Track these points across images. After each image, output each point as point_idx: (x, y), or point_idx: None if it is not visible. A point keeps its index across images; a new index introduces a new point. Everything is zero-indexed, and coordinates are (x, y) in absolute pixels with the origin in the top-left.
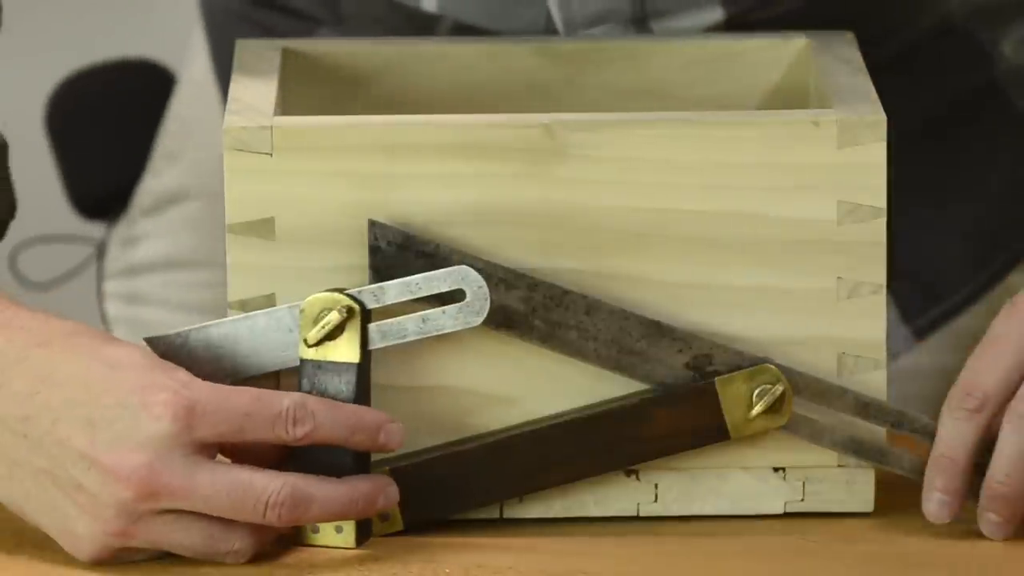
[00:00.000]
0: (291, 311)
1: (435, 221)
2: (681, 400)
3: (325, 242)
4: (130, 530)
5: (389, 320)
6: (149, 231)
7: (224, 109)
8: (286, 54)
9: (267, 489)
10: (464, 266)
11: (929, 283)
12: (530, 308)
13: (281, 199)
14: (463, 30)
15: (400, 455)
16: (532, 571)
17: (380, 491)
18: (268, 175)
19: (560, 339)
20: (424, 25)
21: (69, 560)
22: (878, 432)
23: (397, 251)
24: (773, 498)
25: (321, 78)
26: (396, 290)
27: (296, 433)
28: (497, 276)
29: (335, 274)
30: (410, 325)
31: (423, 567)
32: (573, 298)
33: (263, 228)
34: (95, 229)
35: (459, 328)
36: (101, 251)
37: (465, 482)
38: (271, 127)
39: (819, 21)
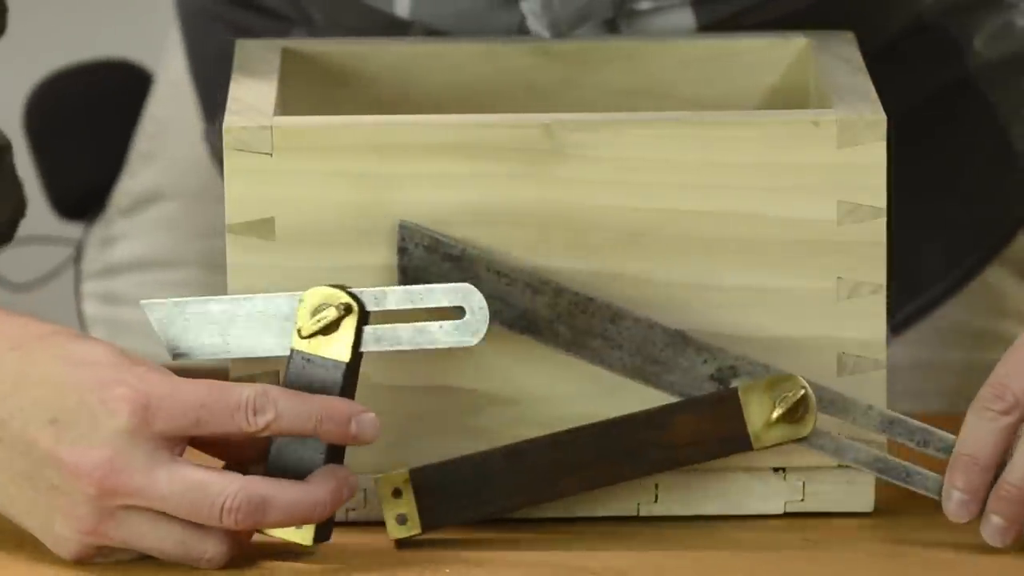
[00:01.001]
0: (291, 300)
1: (434, 221)
2: (703, 407)
3: (325, 242)
4: (101, 528)
5: (385, 326)
6: (126, 231)
7: (199, 109)
8: (286, 54)
9: (223, 492)
10: (468, 285)
11: (906, 278)
12: (555, 314)
13: (281, 199)
14: (435, 36)
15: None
16: (532, 571)
17: (343, 485)
18: (268, 175)
19: (584, 346)
20: (396, 31)
21: (69, 561)
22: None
23: (425, 253)
24: (773, 498)
25: (321, 78)
26: (397, 297)
27: (258, 423)
28: (523, 281)
29: (335, 274)
30: (404, 334)
31: (423, 567)
32: (598, 306)
33: (263, 228)
34: (74, 230)
35: (452, 345)
36: (79, 252)
37: (484, 487)
38: (271, 127)
39: (793, 28)
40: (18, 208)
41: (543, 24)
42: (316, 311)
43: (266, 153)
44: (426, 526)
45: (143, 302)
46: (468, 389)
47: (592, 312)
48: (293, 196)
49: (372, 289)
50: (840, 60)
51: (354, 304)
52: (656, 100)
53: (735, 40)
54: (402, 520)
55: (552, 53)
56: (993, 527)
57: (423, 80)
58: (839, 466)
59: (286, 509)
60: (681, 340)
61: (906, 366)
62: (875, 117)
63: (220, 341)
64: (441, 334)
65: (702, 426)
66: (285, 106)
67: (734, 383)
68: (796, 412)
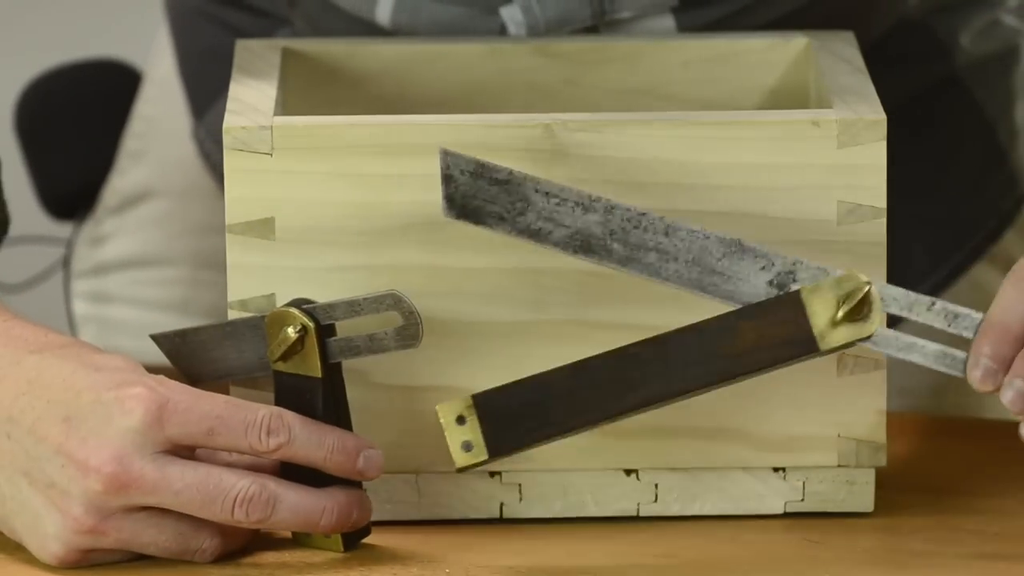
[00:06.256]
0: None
1: (435, 221)
2: (767, 312)
3: (325, 242)
4: (100, 527)
5: (342, 337)
6: (116, 230)
7: (187, 107)
8: (286, 54)
9: (236, 486)
10: (396, 292)
11: (893, 275)
12: (608, 231)
13: (281, 199)
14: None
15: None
16: (532, 571)
17: (355, 505)
18: (268, 175)
19: (639, 261)
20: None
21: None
22: (966, 345)
23: (471, 179)
24: (773, 498)
25: (321, 78)
26: (343, 309)
27: (269, 444)
28: (573, 200)
29: (335, 274)
30: (360, 342)
31: (423, 567)
32: (651, 219)
33: (263, 228)
34: (64, 230)
35: (401, 349)
36: (69, 251)
37: (549, 407)
38: (271, 127)
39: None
40: (1, 226)
41: (522, 31)
42: (278, 334)
43: (266, 153)
44: (492, 451)
45: (151, 335)
46: (468, 389)
47: (645, 226)
48: (293, 196)
49: (321, 304)
50: (840, 60)
51: (310, 323)
52: (656, 100)
53: (735, 40)
54: (468, 447)
55: (552, 53)
56: (1015, 391)
57: (423, 80)
58: (839, 466)
59: (294, 509)
60: (739, 248)
61: (897, 364)
62: (875, 117)
63: (223, 365)
64: (388, 340)
65: (766, 331)
66: (285, 106)
67: (793, 288)
68: (861, 310)
